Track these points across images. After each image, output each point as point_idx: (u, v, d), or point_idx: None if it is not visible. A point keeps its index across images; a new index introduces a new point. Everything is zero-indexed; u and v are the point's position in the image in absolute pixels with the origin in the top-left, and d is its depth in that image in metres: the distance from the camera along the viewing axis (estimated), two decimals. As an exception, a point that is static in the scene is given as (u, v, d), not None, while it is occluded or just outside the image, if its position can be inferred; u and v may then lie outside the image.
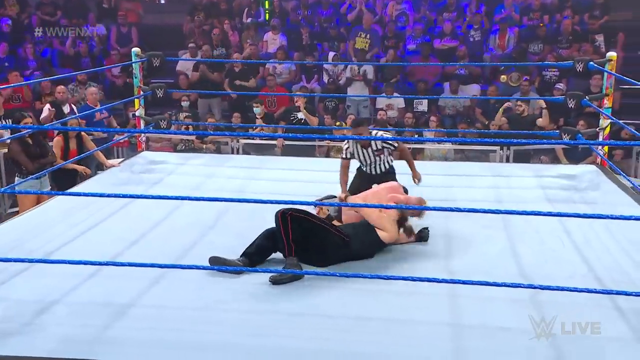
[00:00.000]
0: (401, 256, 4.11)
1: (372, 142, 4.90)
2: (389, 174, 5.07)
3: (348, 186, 4.99)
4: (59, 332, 3.14)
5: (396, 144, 5.06)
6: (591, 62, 6.00)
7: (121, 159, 6.75)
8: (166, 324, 3.26)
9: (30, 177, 5.71)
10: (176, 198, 3.69)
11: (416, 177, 5.13)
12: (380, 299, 3.48)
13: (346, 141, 5.09)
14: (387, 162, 5.07)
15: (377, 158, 4.99)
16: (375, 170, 5.06)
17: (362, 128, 4.91)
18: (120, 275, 3.71)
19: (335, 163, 5.47)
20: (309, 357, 2.98)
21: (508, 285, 3.12)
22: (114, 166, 6.34)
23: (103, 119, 8.44)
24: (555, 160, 8.34)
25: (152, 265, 3.52)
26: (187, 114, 9.20)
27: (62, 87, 8.83)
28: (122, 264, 3.49)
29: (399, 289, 3.51)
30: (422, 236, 4.30)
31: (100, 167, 6.91)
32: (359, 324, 3.24)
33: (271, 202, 3.27)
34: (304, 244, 3.87)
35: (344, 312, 3.35)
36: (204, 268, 3.70)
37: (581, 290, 3.10)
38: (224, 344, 3.06)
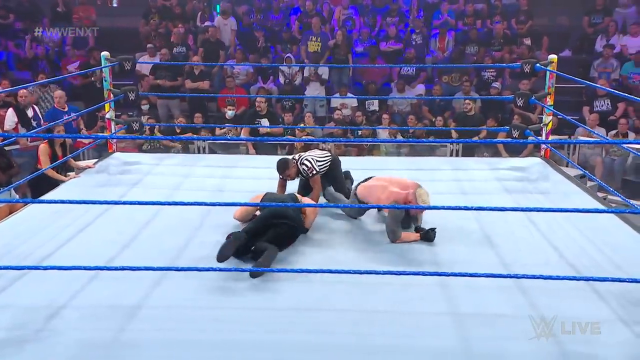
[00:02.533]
0: (388, 250, 4.09)
1: (300, 169, 4.87)
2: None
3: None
4: (76, 337, 2.96)
5: (314, 172, 4.84)
6: (537, 64, 6.15)
7: (95, 160, 6.44)
8: (179, 324, 3.13)
9: (4, 189, 5.31)
10: (170, 204, 3.54)
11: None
12: (380, 292, 3.45)
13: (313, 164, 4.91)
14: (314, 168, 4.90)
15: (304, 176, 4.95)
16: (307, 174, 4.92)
17: (288, 170, 4.84)
18: (120, 277, 3.52)
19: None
20: (323, 352, 2.92)
21: (512, 277, 3.16)
22: (89, 167, 6.04)
23: (71, 122, 8.04)
24: (496, 153, 8.54)
25: (162, 269, 3.39)
26: (147, 116, 8.91)
27: (25, 90, 8.35)
28: (140, 268, 3.28)
29: (394, 281, 3.48)
30: (428, 237, 4.17)
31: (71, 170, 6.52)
32: (366, 317, 3.20)
33: (264, 205, 3.19)
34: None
35: (351, 306, 3.31)
36: (204, 270, 3.57)
37: (565, 278, 3.17)
38: (242, 341, 2.97)
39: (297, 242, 4.17)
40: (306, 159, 4.88)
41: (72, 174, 5.84)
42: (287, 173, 4.87)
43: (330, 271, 3.33)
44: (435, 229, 4.19)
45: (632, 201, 5.22)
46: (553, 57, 6.23)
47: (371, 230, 4.47)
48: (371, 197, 4.37)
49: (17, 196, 6.06)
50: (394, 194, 4.21)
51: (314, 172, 4.85)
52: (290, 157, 5.04)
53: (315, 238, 4.28)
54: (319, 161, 4.93)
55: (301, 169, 4.88)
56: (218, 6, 12.22)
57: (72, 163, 6.12)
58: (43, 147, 5.87)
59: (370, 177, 4.66)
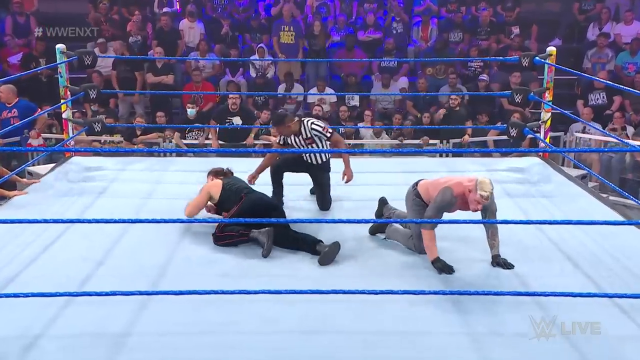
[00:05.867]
0: (391, 263, 4.15)
1: (302, 130, 4.93)
2: (324, 169, 5.12)
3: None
4: (59, 372, 2.91)
5: (329, 134, 4.94)
6: (536, 57, 6.28)
7: (52, 165, 6.30)
8: (174, 352, 3.12)
9: None
10: (144, 221, 3.48)
11: (347, 174, 5.05)
12: (387, 309, 3.48)
13: None
14: (323, 155, 5.05)
15: (309, 147, 4.99)
16: (309, 159, 5.07)
17: (284, 124, 4.88)
18: (100, 301, 3.46)
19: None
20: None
21: (518, 294, 3.23)
22: (35, 182, 5.73)
23: (10, 118, 7.85)
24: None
25: (158, 293, 3.34)
26: (104, 115, 8.73)
27: (-36, 85, 8.12)
28: (144, 293, 3.25)
29: (401, 298, 3.51)
30: (441, 268, 3.94)
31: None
32: (375, 339, 3.23)
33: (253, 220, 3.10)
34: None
35: (358, 327, 3.34)
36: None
37: (594, 296, 3.27)
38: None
39: (294, 256, 4.22)
40: (314, 122, 4.93)
41: (15, 191, 5.59)
42: (285, 126, 4.84)
43: (335, 292, 3.34)
44: (452, 268, 3.96)
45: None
46: (552, 49, 6.36)
47: (372, 241, 4.51)
48: (435, 191, 4.16)
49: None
50: (454, 183, 4.07)
51: (329, 131, 4.93)
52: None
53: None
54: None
55: (312, 133, 4.87)
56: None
57: (16, 179, 5.83)
58: None
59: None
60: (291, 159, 5.11)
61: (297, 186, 5.28)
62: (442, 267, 3.92)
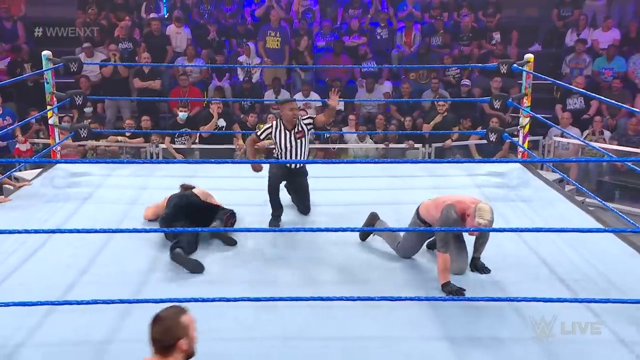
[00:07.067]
0: (371, 269, 4.16)
1: (297, 124, 4.98)
2: (302, 173, 5.15)
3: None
4: (42, 382, 2.89)
5: (311, 119, 5.06)
6: (514, 65, 6.32)
7: (38, 171, 6.25)
8: None
9: None
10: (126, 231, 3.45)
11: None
12: (368, 315, 3.50)
13: (270, 123, 5.12)
14: (306, 151, 5.08)
15: (298, 141, 5.00)
16: (293, 159, 5.06)
17: (286, 106, 4.96)
18: (83, 308, 3.44)
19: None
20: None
21: (495, 300, 3.25)
22: (25, 185, 5.74)
23: (5, 125, 7.80)
24: (468, 154, 8.73)
25: (139, 301, 3.32)
26: (90, 120, 8.66)
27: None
28: (125, 301, 3.24)
29: (381, 304, 3.54)
30: (450, 291, 3.76)
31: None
32: (356, 345, 3.25)
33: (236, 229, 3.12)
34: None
35: (341, 333, 3.34)
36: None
37: (565, 301, 3.29)
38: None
39: (273, 261, 4.24)
40: (304, 117, 5.07)
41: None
42: (286, 108, 4.92)
43: (314, 299, 3.35)
44: (464, 290, 3.78)
45: (609, 204, 5.43)
46: (530, 56, 6.42)
47: (354, 247, 4.53)
48: (436, 209, 4.01)
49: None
50: (456, 200, 3.91)
51: (313, 117, 5.10)
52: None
53: (294, 256, 4.31)
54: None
55: (305, 128, 4.98)
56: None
57: (6, 182, 5.81)
58: None
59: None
60: (277, 168, 5.01)
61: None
62: (451, 291, 3.73)
